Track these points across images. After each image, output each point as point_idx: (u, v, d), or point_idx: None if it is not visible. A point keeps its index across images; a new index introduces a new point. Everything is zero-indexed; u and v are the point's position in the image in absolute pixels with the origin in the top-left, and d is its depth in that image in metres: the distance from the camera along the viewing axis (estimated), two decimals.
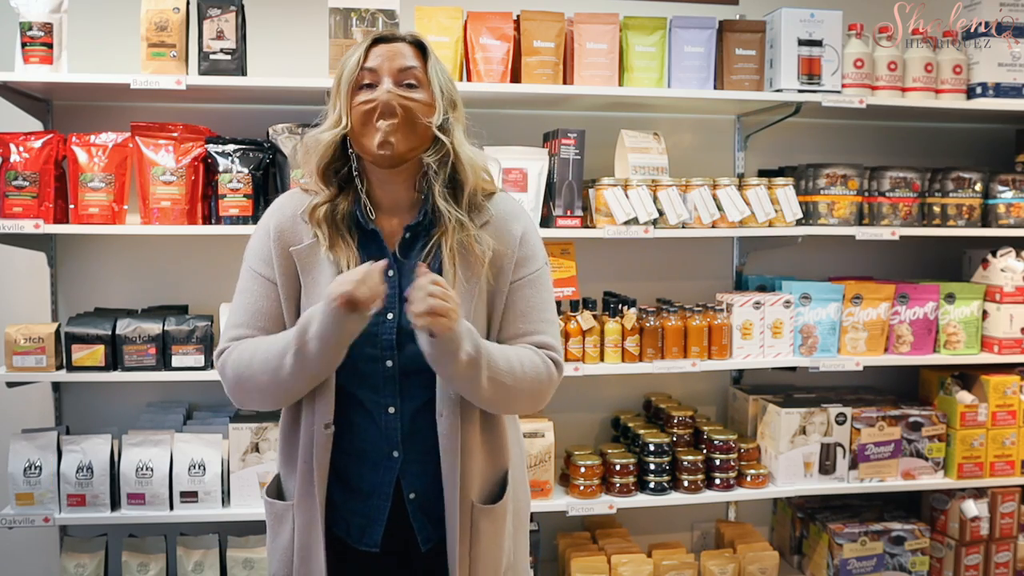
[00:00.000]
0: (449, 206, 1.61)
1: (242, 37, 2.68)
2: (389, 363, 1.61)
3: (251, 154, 2.70)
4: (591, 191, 2.86)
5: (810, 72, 2.92)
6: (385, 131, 1.56)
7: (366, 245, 1.65)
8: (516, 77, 2.82)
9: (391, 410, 1.62)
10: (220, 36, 2.63)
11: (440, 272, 1.60)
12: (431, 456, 1.63)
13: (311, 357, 1.52)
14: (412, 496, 1.65)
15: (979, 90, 3.06)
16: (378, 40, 1.63)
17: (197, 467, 2.66)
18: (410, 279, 1.59)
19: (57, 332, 2.64)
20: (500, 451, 1.70)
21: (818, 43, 2.92)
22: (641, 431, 2.96)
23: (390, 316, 1.61)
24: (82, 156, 2.64)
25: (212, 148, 2.69)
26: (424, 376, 1.59)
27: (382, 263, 1.50)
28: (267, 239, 1.66)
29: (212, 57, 2.63)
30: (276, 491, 1.74)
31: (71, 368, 2.61)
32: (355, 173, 1.65)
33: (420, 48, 1.65)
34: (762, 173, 3.21)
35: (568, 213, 2.79)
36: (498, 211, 1.68)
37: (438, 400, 1.61)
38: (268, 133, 2.76)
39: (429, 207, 1.63)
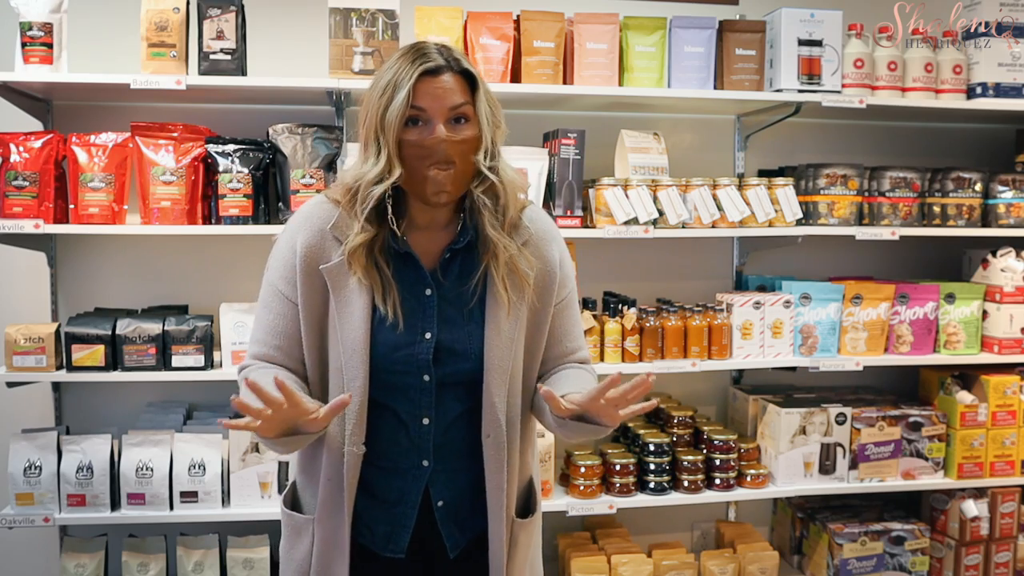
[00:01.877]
0: (499, 236, 1.59)
1: (242, 37, 2.68)
2: (426, 377, 1.59)
3: (251, 154, 2.70)
4: (591, 191, 2.86)
5: (810, 72, 2.92)
6: (440, 182, 1.53)
7: (400, 265, 1.61)
8: (516, 77, 2.82)
9: (425, 421, 1.61)
10: (220, 36, 2.63)
11: (486, 295, 1.60)
12: (461, 465, 1.64)
13: (271, 448, 1.56)
14: (440, 504, 1.65)
15: (979, 90, 3.06)
16: (423, 73, 1.53)
17: (197, 467, 2.67)
18: (449, 300, 1.61)
19: (57, 332, 2.64)
20: (528, 463, 1.74)
21: (818, 43, 2.92)
22: (641, 431, 2.96)
23: (428, 336, 1.59)
24: (82, 156, 2.64)
25: (212, 148, 2.69)
26: (460, 389, 1.60)
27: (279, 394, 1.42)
28: (292, 257, 1.61)
29: (212, 57, 2.63)
30: (292, 500, 1.73)
31: (71, 368, 2.61)
32: (388, 201, 1.58)
33: (467, 77, 1.57)
34: (762, 173, 3.21)
35: (568, 213, 2.79)
36: (536, 229, 1.67)
37: (484, 422, 1.60)
38: (268, 133, 2.76)
39: (473, 231, 1.61)
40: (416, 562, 1.67)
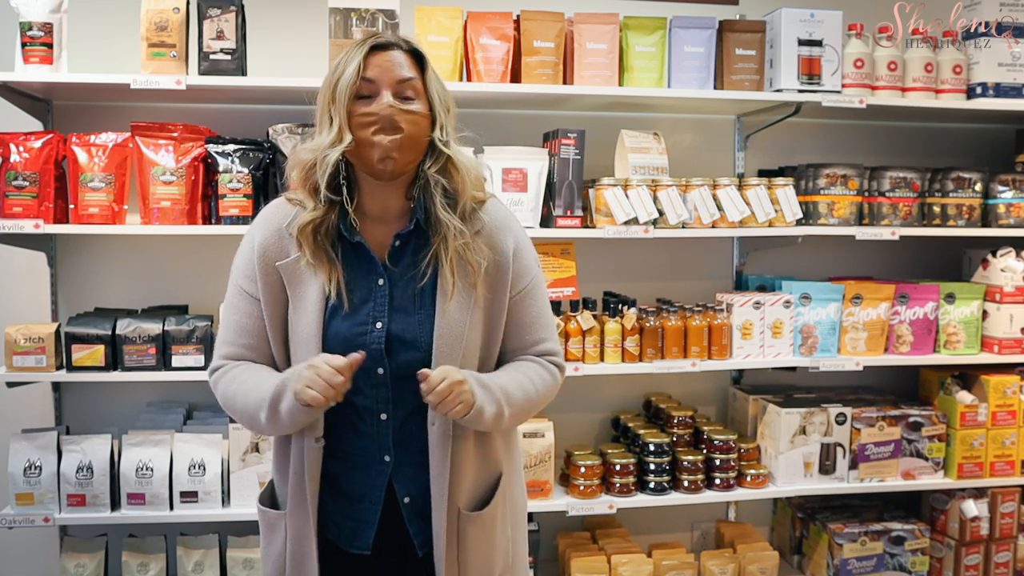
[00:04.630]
0: (450, 217, 1.61)
1: (242, 37, 2.68)
2: (380, 371, 1.61)
3: (251, 154, 2.70)
4: (591, 191, 2.86)
5: (810, 72, 2.92)
6: (386, 147, 1.56)
7: (352, 257, 1.64)
8: (516, 77, 2.82)
9: (383, 416, 1.63)
10: (220, 36, 2.63)
11: (435, 282, 1.61)
12: (424, 460, 1.63)
13: (283, 427, 1.59)
14: (407, 500, 1.65)
15: (979, 90, 3.06)
16: (374, 47, 1.60)
17: (197, 467, 2.66)
18: (400, 289, 1.62)
19: (57, 332, 2.64)
20: (493, 457, 1.72)
21: (818, 43, 2.92)
22: (641, 431, 2.96)
23: (379, 325, 1.61)
24: (82, 156, 2.64)
25: (212, 148, 2.69)
26: (415, 382, 1.59)
27: (355, 359, 1.51)
28: (251, 255, 1.66)
29: (212, 57, 2.63)
30: (270, 497, 1.74)
31: (71, 368, 2.61)
32: (343, 183, 1.62)
33: (415, 56, 1.63)
34: (762, 173, 3.21)
35: (568, 213, 2.79)
36: (490, 220, 1.68)
37: (430, 410, 1.60)
38: (268, 133, 2.76)
39: (421, 215, 1.63)
40: (386, 558, 1.67)
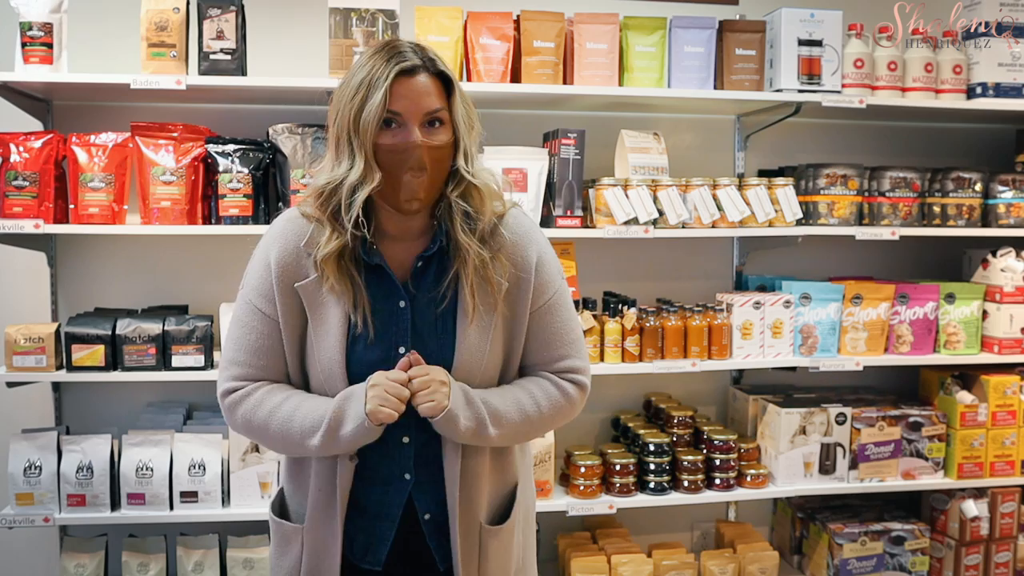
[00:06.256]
0: (470, 240, 1.56)
1: (242, 37, 2.68)
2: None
3: (251, 154, 2.70)
4: (591, 191, 2.86)
5: (810, 72, 2.92)
6: (413, 188, 1.51)
7: (373, 278, 1.59)
8: (516, 77, 2.82)
9: (405, 440, 1.60)
10: (220, 36, 2.63)
11: (456, 304, 1.58)
12: (445, 477, 1.62)
13: (339, 449, 1.56)
14: (427, 517, 1.63)
15: (979, 90, 3.06)
16: (399, 73, 1.49)
17: (197, 467, 2.67)
18: (422, 311, 1.59)
19: (57, 332, 2.64)
20: (509, 469, 1.70)
21: (818, 43, 2.92)
22: (641, 431, 2.96)
23: (402, 350, 1.57)
24: (82, 156, 2.64)
25: (212, 148, 2.69)
26: None
27: (413, 360, 1.54)
28: (267, 274, 1.59)
29: (212, 57, 2.63)
30: (280, 507, 1.72)
31: (71, 368, 2.61)
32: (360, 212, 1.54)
33: (441, 78, 1.54)
34: (762, 173, 3.21)
35: (568, 213, 2.79)
36: (511, 234, 1.62)
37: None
38: (268, 133, 2.76)
39: (443, 237, 1.58)
40: (398, 574, 1.65)
